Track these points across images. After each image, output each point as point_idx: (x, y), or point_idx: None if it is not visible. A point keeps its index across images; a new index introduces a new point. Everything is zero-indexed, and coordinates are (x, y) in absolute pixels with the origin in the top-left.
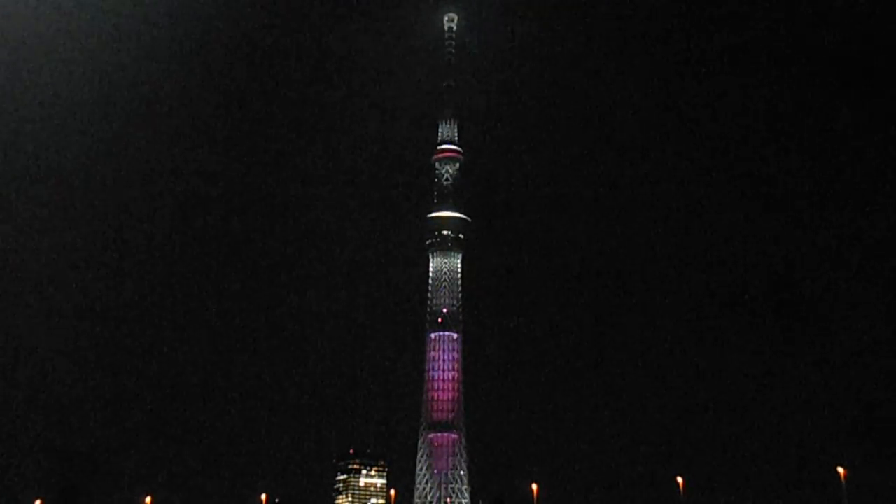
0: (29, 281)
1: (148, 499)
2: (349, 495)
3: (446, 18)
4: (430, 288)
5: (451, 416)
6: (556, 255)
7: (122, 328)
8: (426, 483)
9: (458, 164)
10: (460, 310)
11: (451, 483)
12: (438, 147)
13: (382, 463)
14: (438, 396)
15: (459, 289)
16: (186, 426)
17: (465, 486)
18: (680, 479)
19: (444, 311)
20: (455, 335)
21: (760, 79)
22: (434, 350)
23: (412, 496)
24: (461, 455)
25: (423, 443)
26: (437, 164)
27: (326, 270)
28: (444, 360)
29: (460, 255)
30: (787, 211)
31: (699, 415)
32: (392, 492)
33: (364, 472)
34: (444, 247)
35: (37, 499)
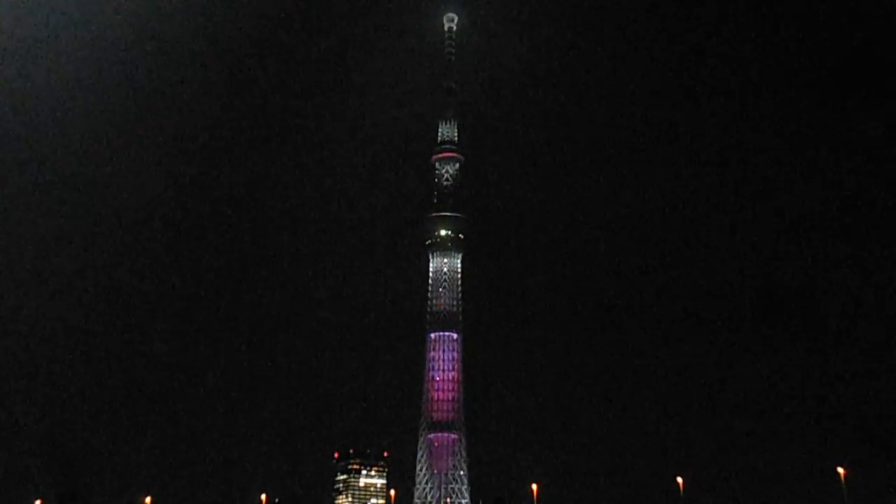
0: (29, 280)
1: (148, 499)
2: (349, 495)
3: (446, 18)
4: (430, 288)
5: (451, 416)
6: (556, 255)
7: (121, 327)
8: (426, 483)
9: (458, 165)
10: (460, 310)
11: (451, 483)
12: (438, 147)
13: (382, 463)
14: (438, 396)
15: (459, 289)
16: (186, 426)
17: (465, 486)
18: (680, 479)
19: (444, 311)
20: (455, 335)
21: (757, 82)
22: (434, 350)
23: (412, 496)
24: (461, 455)
25: (423, 443)
26: (437, 164)
27: (326, 270)
28: (444, 360)
29: (460, 255)
30: (786, 211)
31: (699, 415)
32: (392, 492)
33: (364, 472)
34: (444, 247)
35: (37, 499)
